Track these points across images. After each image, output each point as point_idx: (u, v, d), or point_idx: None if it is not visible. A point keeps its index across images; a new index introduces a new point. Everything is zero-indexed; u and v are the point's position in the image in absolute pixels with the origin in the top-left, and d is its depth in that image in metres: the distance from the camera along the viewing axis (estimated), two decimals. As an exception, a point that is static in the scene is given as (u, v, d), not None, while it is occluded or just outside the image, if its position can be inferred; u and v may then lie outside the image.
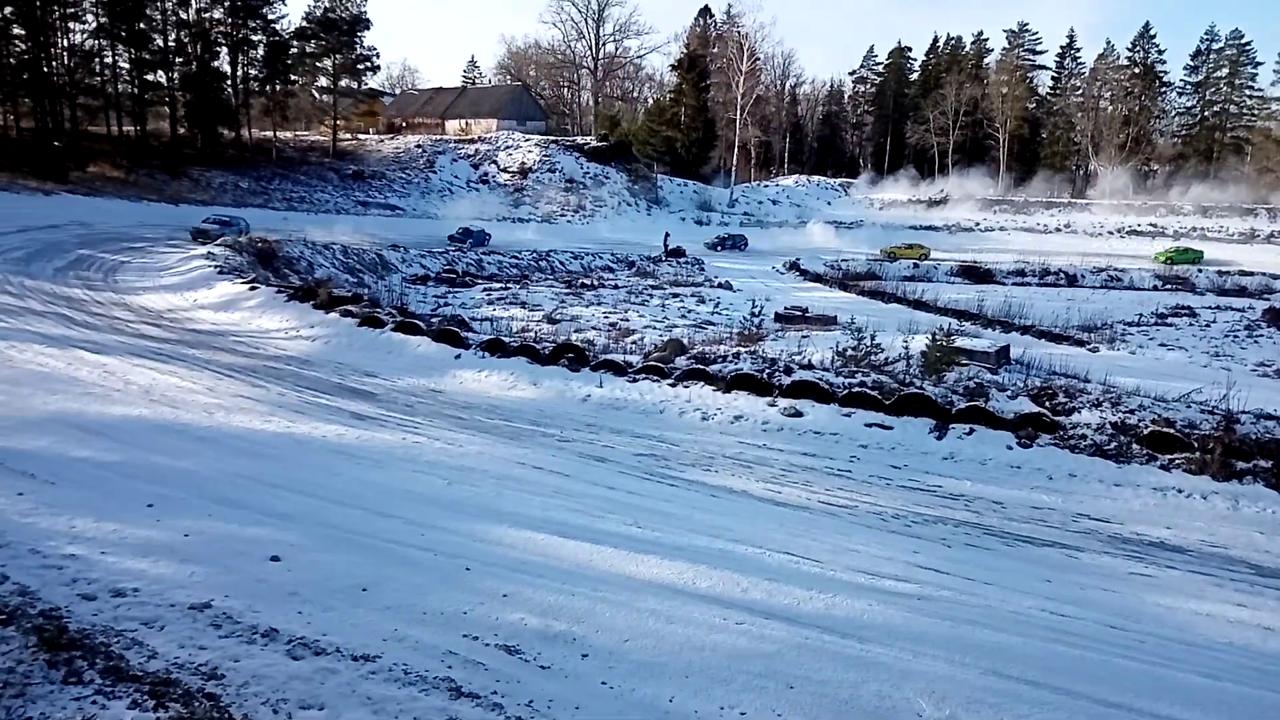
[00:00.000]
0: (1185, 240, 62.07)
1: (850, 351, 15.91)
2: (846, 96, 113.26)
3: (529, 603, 6.48)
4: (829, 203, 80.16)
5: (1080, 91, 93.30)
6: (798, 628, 6.41)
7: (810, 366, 14.72)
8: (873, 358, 15.63)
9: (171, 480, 8.65)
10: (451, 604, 6.35)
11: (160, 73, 60.37)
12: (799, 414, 12.92)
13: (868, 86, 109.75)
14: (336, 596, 6.31)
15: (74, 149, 52.33)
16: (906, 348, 15.30)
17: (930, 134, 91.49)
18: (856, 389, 13.15)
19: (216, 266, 26.19)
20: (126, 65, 59.15)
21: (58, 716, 4.20)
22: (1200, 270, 47.53)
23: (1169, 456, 11.06)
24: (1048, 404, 12.73)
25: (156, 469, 9.02)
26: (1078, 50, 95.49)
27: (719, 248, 56.05)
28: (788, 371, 14.09)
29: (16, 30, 51.52)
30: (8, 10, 50.11)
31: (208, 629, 5.62)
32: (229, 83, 64.04)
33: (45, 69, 52.93)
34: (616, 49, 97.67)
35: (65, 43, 55.66)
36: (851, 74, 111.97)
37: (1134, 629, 6.93)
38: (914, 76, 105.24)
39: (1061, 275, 46.08)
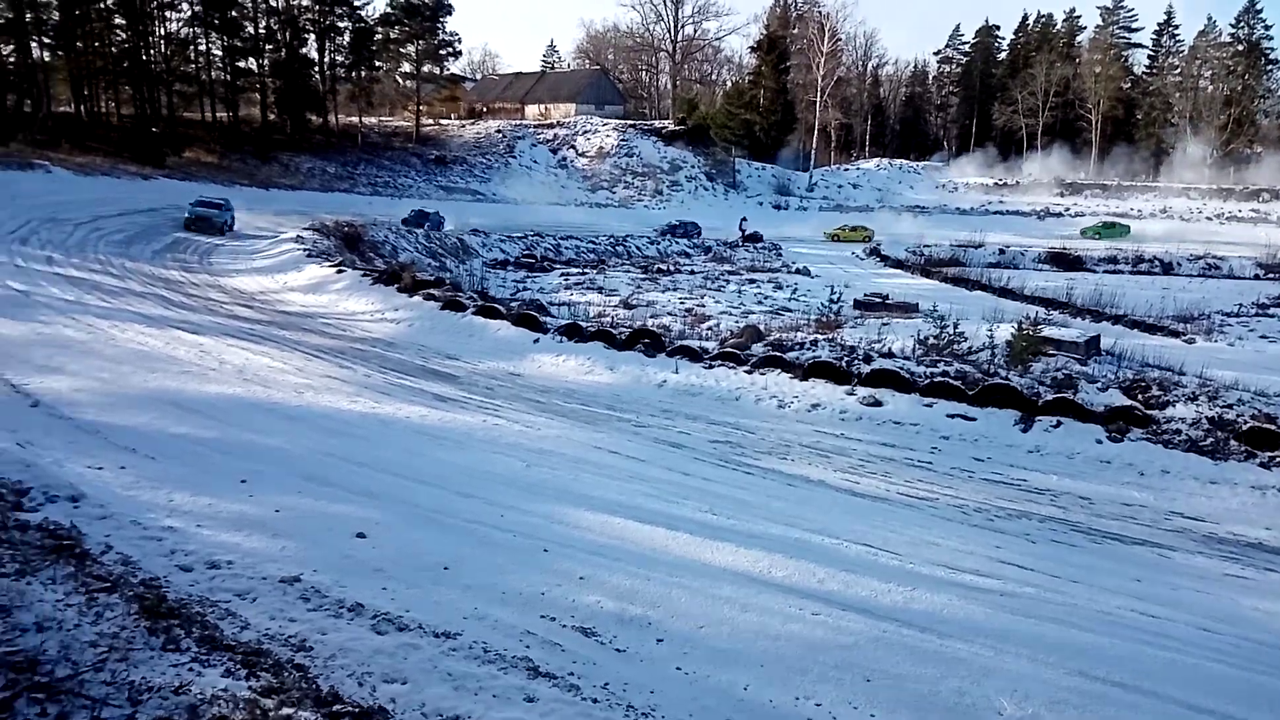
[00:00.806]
0: None
1: (932, 340, 15.59)
2: (931, 77, 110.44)
3: (605, 586, 6.57)
4: (911, 186, 78.39)
5: (1178, 71, 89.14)
6: (875, 620, 6.35)
7: (890, 355, 14.49)
8: (955, 347, 15.30)
9: (263, 457, 8.98)
10: (530, 585, 6.47)
11: (251, 60, 62.20)
12: (878, 403, 12.74)
13: (953, 67, 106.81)
14: (419, 574, 6.48)
15: (170, 135, 54.36)
16: (991, 337, 14.93)
17: (1018, 115, 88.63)
18: (938, 379, 12.90)
19: (305, 250, 26.96)
20: (219, 53, 61.15)
21: (157, 681, 4.38)
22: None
23: (1269, 454, 10.57)
24: (1140, 397, 12.28)
25: (249, 446, 9.37)
26: (1176, 27, 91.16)
27: (668, 234, 49.68)
28: (867, 360, 13.90)
29: (118, 20, 53.69)
30: (110, 1, 52.23)
31: (297, 602, 5.84)
32: (316, 69, 65.67)
33: (144, 57, 55.10)
34: (695, 31, 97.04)
35: (162, 31, 57.81)
36: (936, 54, 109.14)
37: (1229, 633, 6.68)
38: (1002, 56, 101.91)
39: (1156, 263, 44.10)
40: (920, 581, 7.18)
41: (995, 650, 6.05)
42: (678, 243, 45.40)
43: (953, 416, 12.30)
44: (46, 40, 49.61)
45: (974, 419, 12.20)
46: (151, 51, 56.27)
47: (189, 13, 58.04)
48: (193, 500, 7.43)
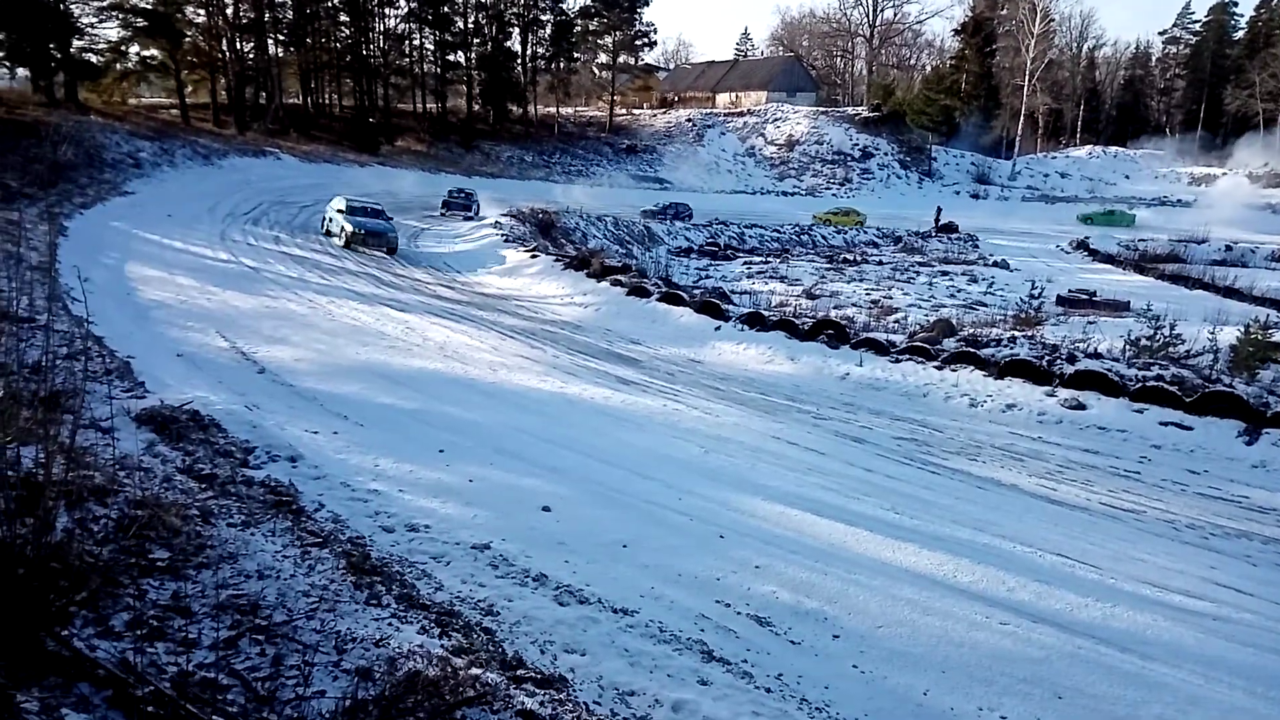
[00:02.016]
0: None
1: (1145, 341, 14.47)
2: (1154, 59, 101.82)
3: (781, 577, 6.51)
4: (1127, 176, 72.60)
5: None
6: (1070, 635, 5.98)
7: (1097, 355, 13.54)
8: (1171, 349, 14.13)
9: (460, 429, 9.49)
10: (705, 569, 6.51)
11: (460, 53, 65.54)
12: (1082, 406, 11.94)
13: (1180, 47, 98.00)
14: (599, 550, 6.66)
15: (385, 125, 58.18)
16: (1213, 340, 13.68)
17: (1255, 100, 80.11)
18: (1151, 383, 11.94)
19: (503, 235, 28.19)
20: (431, 47, 64.79)
21: (360, 633, 4.70)
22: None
23: None
24: (1395, 414, 10.91)
25: (447, 418, 9.92)
26: None
27: (659, 217, 43.71)
28: (1070, 360, 13.04)
29: (343, 18, 57.93)
30: (336, 0, 56.45)
31: (486, 568, 6.14)
32: (518, 62, 68.35)
33: (364, 52, 59.28)
34: (895, 15, 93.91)
35: (381, 28, 61.85)
36: (1161, 34, 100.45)
37: None
38: (1238, 35, 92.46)
39: None
40: (1121, 598, 6.69)
41: (1205, 678, 5.57)
42: (674, 225, 41.97)
43: (1166, 424, 11.37)
44: (280, 37, 54.20)
45: (1190, 428, 11.22)
46: (371, 46, 60.42)
47: (405, 9, 61.82)
48: (396, 466, 7.95)
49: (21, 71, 37.66)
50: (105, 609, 4.17)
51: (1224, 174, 70.03)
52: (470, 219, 33.71)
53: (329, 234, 25.50)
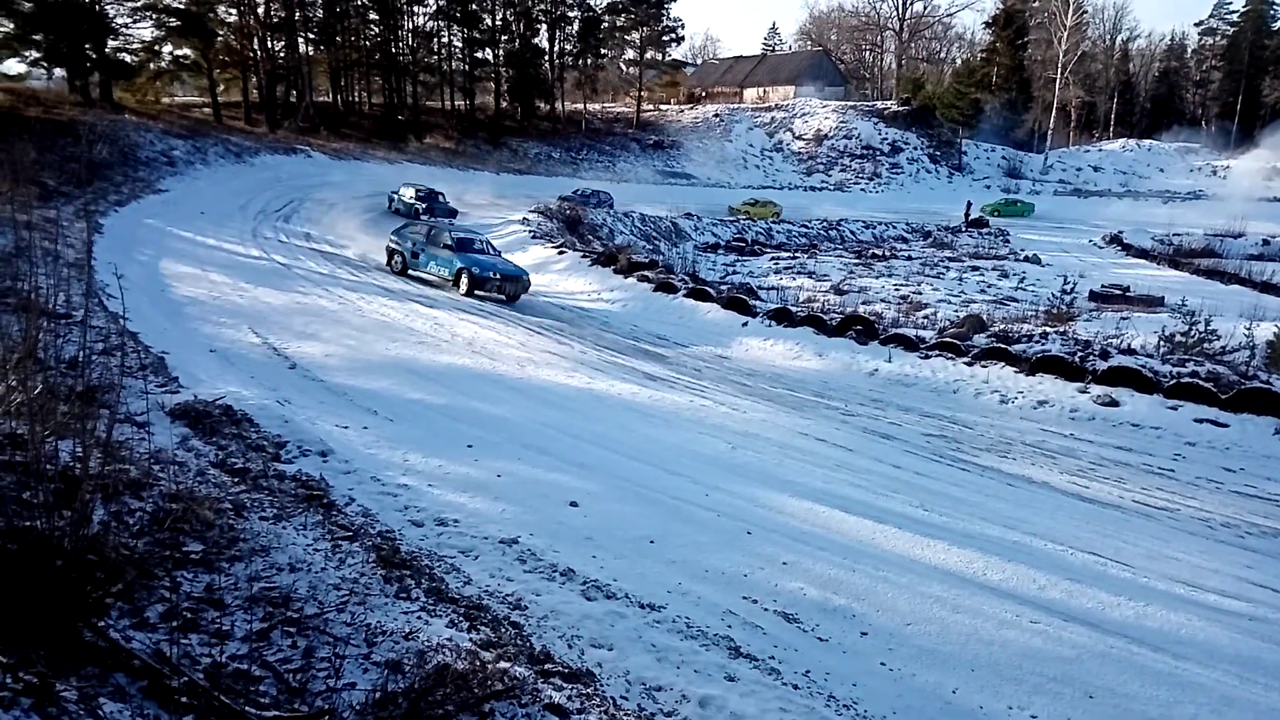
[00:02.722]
0: None
1: (1179, 337, 14.26)
2: (1189, 51, 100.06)
3: (809, 574, 6.49)
4: (1161, 169, 71.43)
5: None
6: (1101, 634, 5.91)
7: (1130, 352, 13.35)
8: (1206, 346, 13.93)
9: (488, 424, 9.54)
10: (732, 565, 6.50)
11: (488, 50, 65.75)
12: (1114, 403, 11.79)
13: (1217, 39, 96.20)
14: (626, 545, 6.67)
15: (414, 122, 58.52)
16: (1249, 335, 13.47)
17: (1295, 91, 78.45)
18: (1186, 379, 11.76)
19: (530, 232, 28.27)
20: (459, 44, 65.04)
21: (390, 626, 4.74)
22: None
23: None
24: None
25: (475, 413, 9.98)
26: None
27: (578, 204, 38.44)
28: (1103, 356, 12.87)
29: (372, 16, 58.32)
30: (366, -1, 56.96)
31: (514, 563, 6.17)
32: (546, 58, 68.45)
33: (393, 50, 59.63)
34: (925, 8, 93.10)
35: (410, 25, 62.18)
36: (1197, 25, 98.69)
37: None
38: (1277, 26, 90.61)
39: None
40: (1155, 597, 6.60)
41: (1240, 679, 5.48)
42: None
43: (1201, 421, 11.20)
44: (310, 36, 54.66)
45: (1226, 425, 11.05)
46: (400, 44, 60.78)
47: (434, 7, 62.09)
48: (425, 461, 8.01)
49: (58, 72, 38.27)
50: (140, 601, 4.24)
51: (1228, 165, 68.70)
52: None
53: (404, 266, 20.30)
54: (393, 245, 20.74)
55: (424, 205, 29.71)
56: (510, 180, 48.44)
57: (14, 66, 36.71)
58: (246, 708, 3.49)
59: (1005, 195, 59.40)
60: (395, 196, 31.35)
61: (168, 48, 43.25)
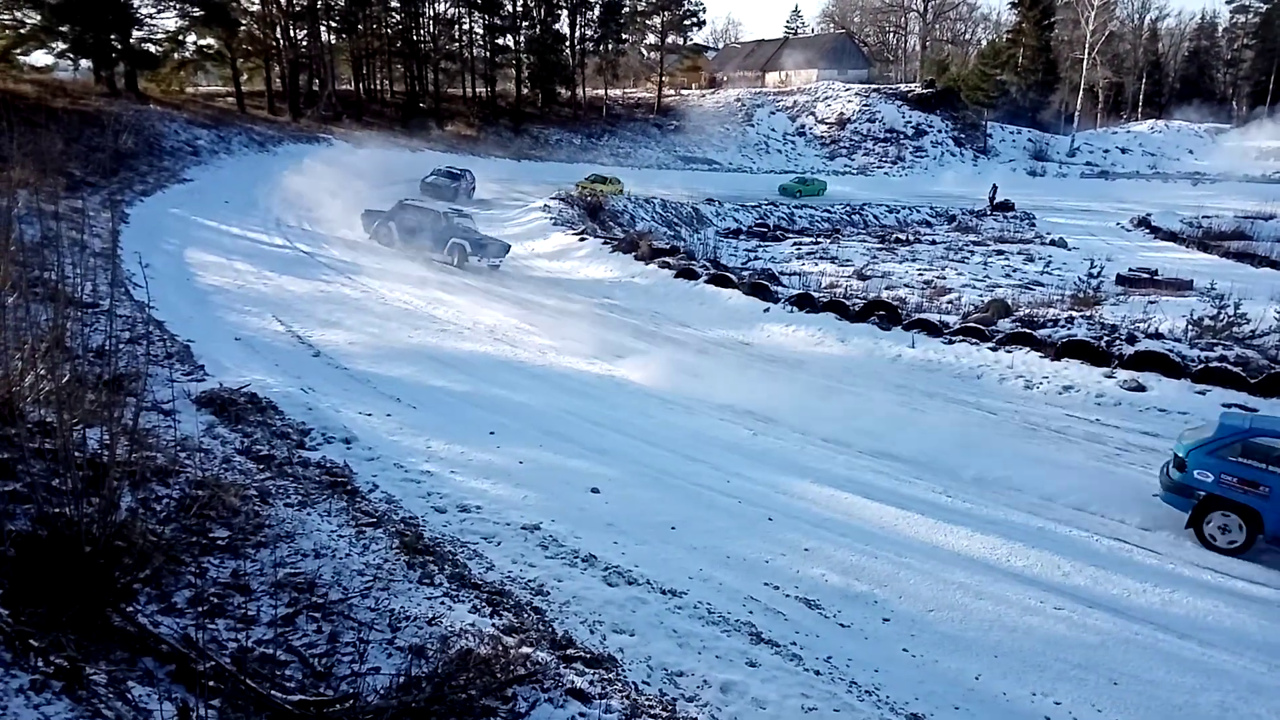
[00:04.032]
0: None
1: (1208, 321, 14.04)
2: (1220, 29, 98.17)
3: (830, 560, 6.48)
4: (1190, 150, 70.20)
5: None
6: (1127, 621, 5.87)
7: (1158, 336, 13.19)
8: (1235, 329, 13.71)
9: (509, 411, 9.57)
10: (754, 551, 6.51)
11: (509, 36, 65.60)
12: (1141, 388, 11.65)
13: (1249, 16, 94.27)
14: (648, 531, 6.69)
15: (435, 109, 58.57)
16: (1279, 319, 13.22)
17: (1329, 69, 76.76)
18: (1214, 364, 11.60)
19: (551, 219, 28.24)
20: (480, 31, 64.92)
21: (414, 611, 4.79)
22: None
23: None
24: None
25: (497, 400, 10.01)
26: None
27: (443, 189, 33.88)
28: (1130, 340, 12.72)
29: (393, 3, 58.38)
30: (388, -15, 57.03)
31: (536, 549, 6.20)
32: (567, 44, 68.23)
33: (414, 38, 59.66)
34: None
35: (431, 13, 62.15)
36: (1229, 3, 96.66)
37: None
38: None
39: None
40: (1181, 584, 6.55)
41: (1269, 665, 5.44)
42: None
43: (1230, 406, 11.01)
44: (332, 24, 54.77)
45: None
46: (421, 32, 60.78)
47: (456, -6, 62.07)
48: (447, 448, 8.06)
49: (84, 63, 38.58)
50: (168, 586, 4.30)
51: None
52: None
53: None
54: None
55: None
56: (531, 167, 48.35)
57: (41, 58, 37.09)
58: (272, 692, 3.54)
59: (799, 174, 54.73)
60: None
61: (191, 37, 43.52)
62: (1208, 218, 42.02)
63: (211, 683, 3.45)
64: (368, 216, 21.93)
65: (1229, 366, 11.48)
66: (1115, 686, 5.11)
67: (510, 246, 20.88)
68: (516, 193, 36.52)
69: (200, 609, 4.16)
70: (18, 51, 34.10)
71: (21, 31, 33.82)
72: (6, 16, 33.20)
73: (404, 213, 21.44)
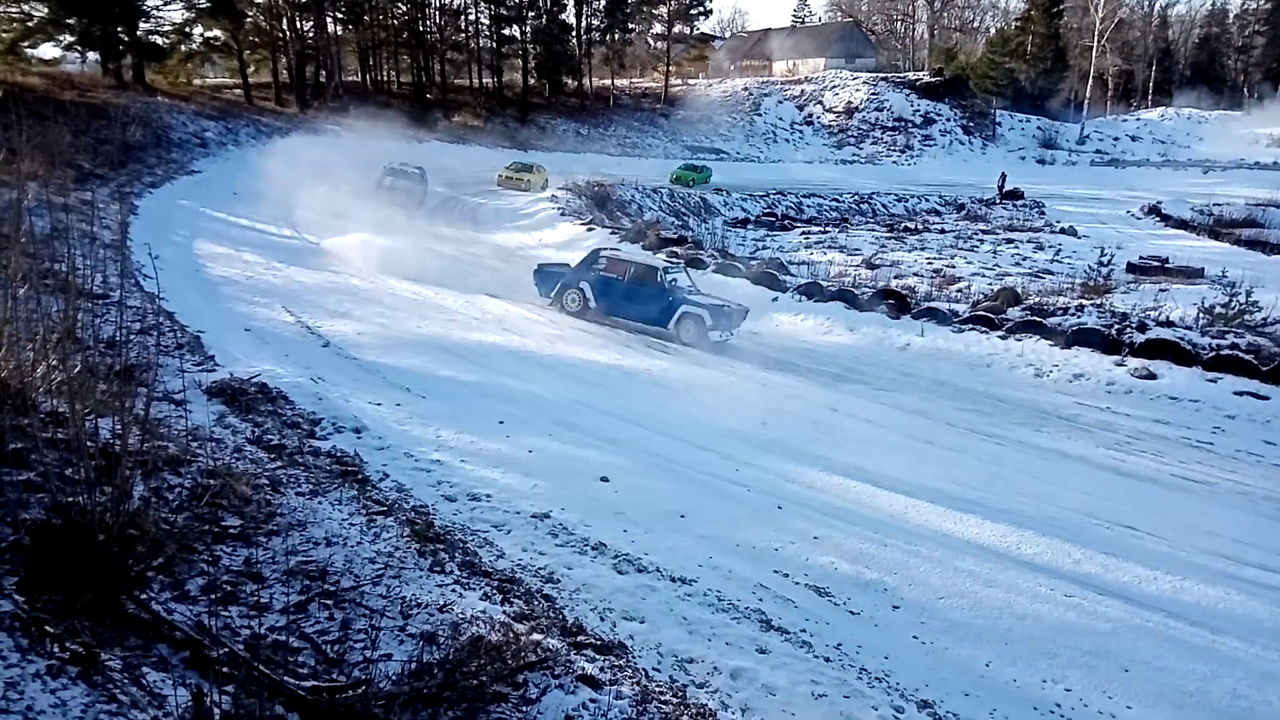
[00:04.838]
0: None
1: (1219, 309, 13.98)
2: (1232, 16, 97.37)
3: (840, 548, 6.48)
4: (1201, 138, 69.73)
5: None
6: (1138, 608, 5.86)
7: (1169, 324, 13.14)
8: (1247, 317, 13.65)
9: (519, 400, 9.59)
10: (763, 539, 6.51)
11: (515, 27, 65.46)
12: (1152, 376, 11.61)
13: (1261, 2, 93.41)
14: (657, 519, 6.70)
15: (442, 100, 58.54)
16: (1293, 307, 13.16)
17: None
18: (1225, 352, 11.56)
19: (559, 209, 28.22)
20: (487, 21, 64.82)
21: (425, 599, 4.80)
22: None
23: None
24: None
25: (506, 390, 10.03)
26: None
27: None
28: (1141, 328, 12.68)
29: (400, -6, 58.41)
30: (393, -24, 56.98)
31: (546, 537, 6.21)
32: (573, 34, 68.06)
33: (420, 28, 59.59)
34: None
35: (437, 3, 62.07)
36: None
37: None
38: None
39: None
40: (1192, 571, 6.54)
41: (1280, 653, 5.42)
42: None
43: (1241, 394, 11.01)
44: (339, 15, 54.74)
45: (1266, 398, 10.85)
46: (427, 22, 60.70)
47: (462, -17, 61.98)
48: (457, 437, 8.07)
49: (91, 55, 38.64)
50: (181, 574, 4.32)
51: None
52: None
53: None
54: None
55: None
56: (538, 158, 48.34)
57: (49, 51, 37.18)
58: (285, 678, 3.56)
59: (686, 161, 51.82)
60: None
61: (198, 29, 43.51)
62: (1219, 205, 41.75)
63: (225, 669, 3.47)
64: (543, 277, 16.03)
65: (1241, 354, 11.44)
66: (1127, 674, 5.11)
67: (749, 310, 14.76)
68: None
69: (213, 596, 4.19)
70: (25, 44, 34.17)
71: (29, 24, 33.88)
72: (14, 9, 33.23)
73: (599, 267, 15.44)
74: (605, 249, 16.97)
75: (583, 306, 14.97)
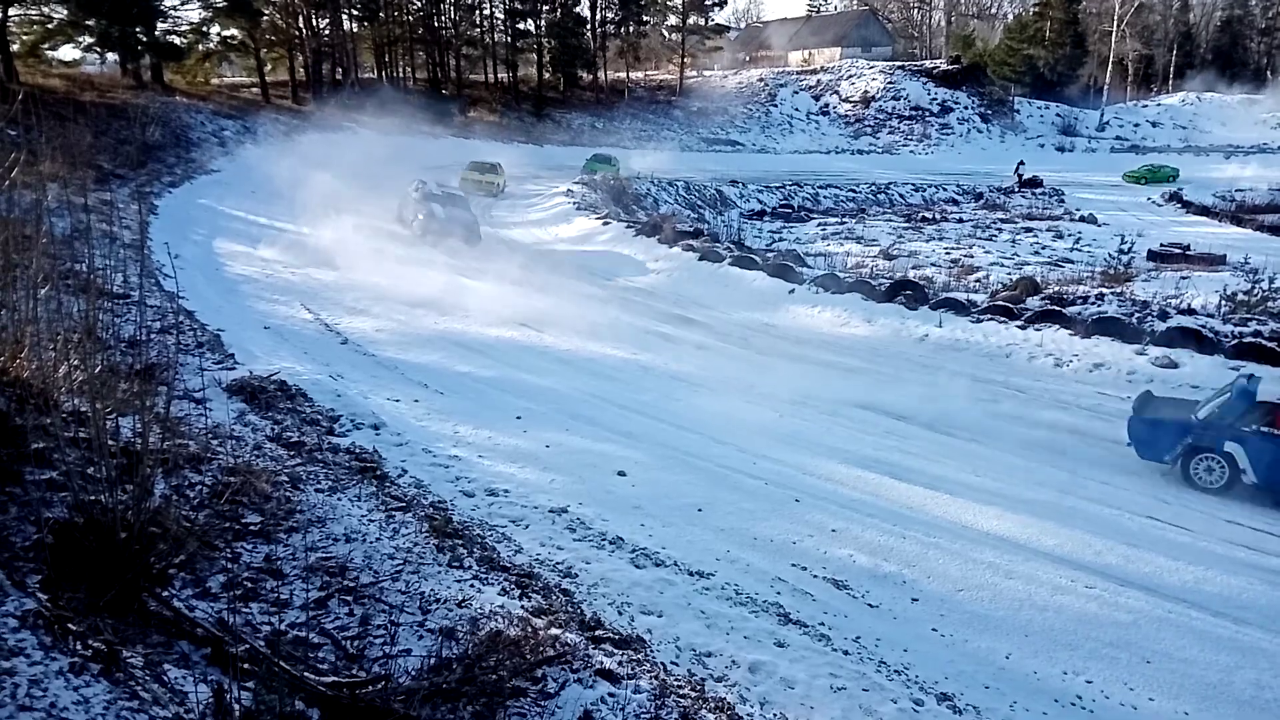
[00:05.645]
0: None
1: (1242, 296, 13.82)
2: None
3: (858, 540, 6.47)
4: (1223, 123, 68.81)
5: None
6: (1160, 599, 5.82)
7: (1190, 312, 12.99)
8: (1271, 304, 13.48)
9: (536, 396, 9.61)
10: (781, 532, 6.50)
11: (529, 21, 65.43)
12: (1174, 365, 11.49)
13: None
14: (674, 513, 6.70)
15: (457, 96, 58.62)
16: (1318, 294, 12.98)
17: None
18: (1248, 339, 11.42)
19: (574, 203, 28.19)
20: (501, 16, 64.84)
21: (443, 594, 4.83)
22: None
23: None
24: None
25: (523, 385, 10.05)
26: None
27: None
28: (1162, 316, 12.55)
29: (415, -10, 58.53)
30: (408, -26, 57.11)
31: (564, 531, 6.23)
32: (588, 28, 67.95)
33: (436, 24, 59.70)
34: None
35: (452, -2, 62.18)
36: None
37: None
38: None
39: None
40: (1215, 562, 6.47)
41: (1306, 645, 5.36)
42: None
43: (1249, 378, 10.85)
44: (354, 13, 54.92)
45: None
46: (442, 18, 60.81)
47: (476, -22, 61.99)
48: (475, 433, 8.11)
49: (110, 56, 38.94)
50: (202, 571, 4.36)
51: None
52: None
53: None
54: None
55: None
56: (554, 152, 48.29)
57: (69, 53, 37.50)
58: (306, 674, 3.58)
59: (595, 153, 46.15)
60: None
61: (215, 28, 43.76)
62: (1241, 191, 41.25)
63: (246, 665, 3.50)
64: (1151, 430, 8.89)
65: (1264, 342, 11.30)
66: (1148, 665, 5.07)
67: None
68: (538, 178, 36.46)
69: (234, 593, 4.22)
70: (46, 46, 34.44)
71: (49, 26, 34.13)
72: (35, 12, 33.49)
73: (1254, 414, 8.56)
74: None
75: (1228, 481, 8.39)
